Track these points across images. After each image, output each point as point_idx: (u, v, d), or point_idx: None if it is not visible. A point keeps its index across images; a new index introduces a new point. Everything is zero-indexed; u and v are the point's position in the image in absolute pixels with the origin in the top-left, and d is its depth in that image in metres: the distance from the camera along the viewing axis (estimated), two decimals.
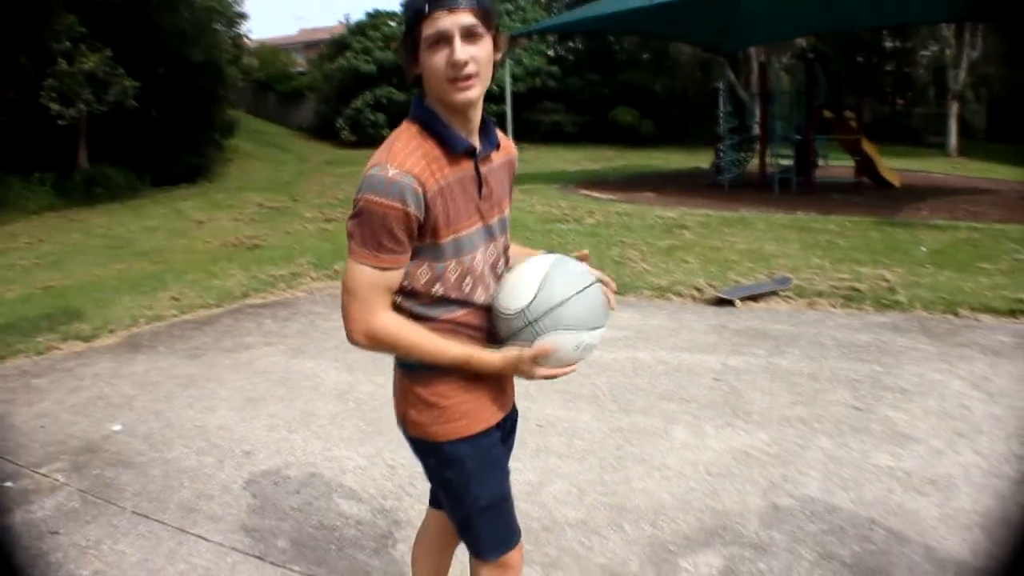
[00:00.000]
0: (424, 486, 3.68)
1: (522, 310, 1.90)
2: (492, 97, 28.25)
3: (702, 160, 20.76)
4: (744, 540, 3.19)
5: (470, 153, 1.90)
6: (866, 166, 17.20)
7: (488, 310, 1.98)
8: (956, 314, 6.62)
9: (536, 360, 1.89)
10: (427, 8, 1.76)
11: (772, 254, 8.88)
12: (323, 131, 29.21)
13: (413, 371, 1.95)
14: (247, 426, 4.56)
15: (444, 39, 1.76)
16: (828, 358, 5.44)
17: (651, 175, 20.05)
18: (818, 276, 7.68)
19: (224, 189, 17.71)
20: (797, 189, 15.86)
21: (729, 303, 6.91)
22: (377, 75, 28.17)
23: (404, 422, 2.03)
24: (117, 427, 4.60)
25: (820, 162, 18.43)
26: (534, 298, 1.90)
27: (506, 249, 2.07)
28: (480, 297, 1.95)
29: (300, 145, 27.51)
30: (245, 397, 5.04)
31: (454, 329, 1.92)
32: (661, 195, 15.08)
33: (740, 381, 5.00)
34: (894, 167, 18.41)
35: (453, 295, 1.91)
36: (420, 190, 1.79)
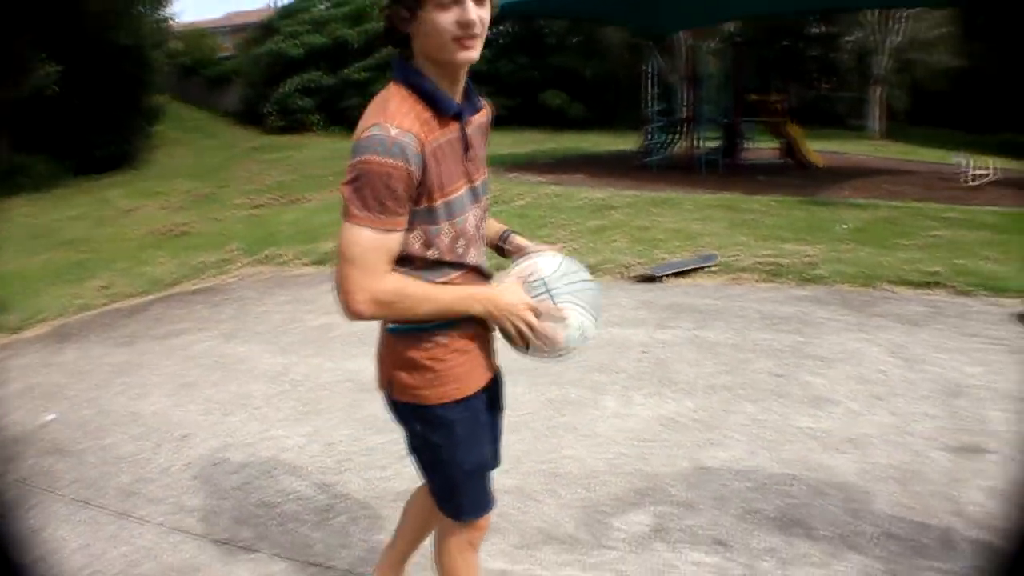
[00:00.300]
0: (363, 460, 3.78)
1: (543, 279, 1.96)
2: None
3: (631, 143, 20.98)
4: (672, 499, 3.35)
5: (457, 115, 1.91)
6: (791, 148, 17.64)
7: (479, 271, 2.02)
8: (874, 287, 6.90)
9: (536, 314, 1.93)
10: None
11: (699, 232, 9.09)
12: (250, 116, 28.71)
13: (407, 334, 1.96)
14: (183, 411, 4.57)
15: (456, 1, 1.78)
16: (752, 330, 5.63)
17: (580, 158, 20.22)
18: (743, 253, 7.90)
19: (151, 176, 17.37)
20: (724, 170, 16.17)
21: (656, 280, 7.09)
22: (305, 59, 27.81)
23: (391, 386, 2.03)
24: (51, 416, 4.58)
25: (746, 144, 18.83)
26: (556, 269, 1.98)
27: (486, 210, 2.09)
28: (473, 258, 1.99)
29: (227, 131, 27.05)
30: (179, 382, 5.04)
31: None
32: (590, 177, 15.23)
33: (667, 353, 5.16)
34: (818, 149, 18.89)
35: (448, 258, 1.92)
36: (419, 150, 1.79)
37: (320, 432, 4.14)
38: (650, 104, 18.27)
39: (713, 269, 7.33)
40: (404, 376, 1.98)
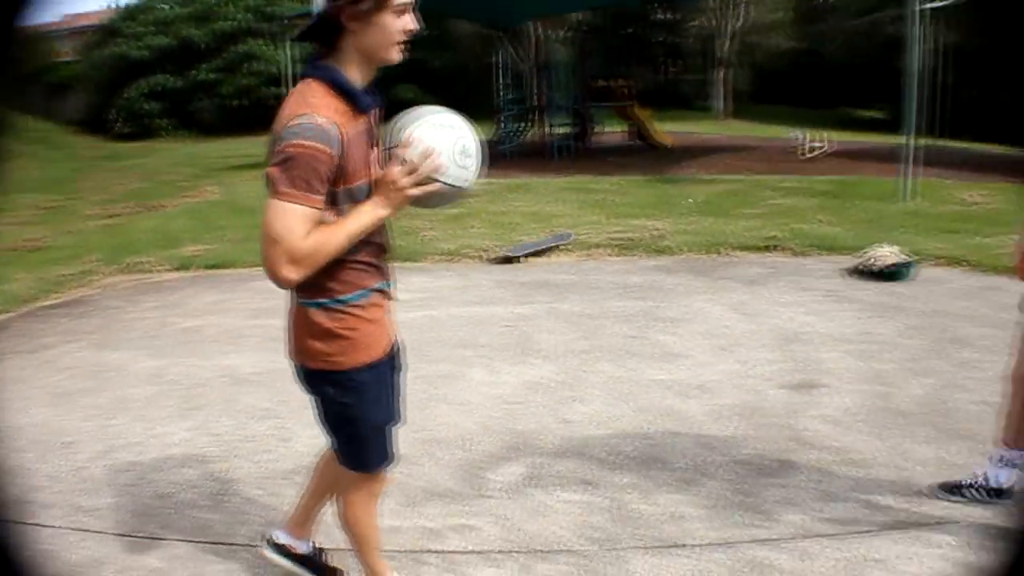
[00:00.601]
0: (249, 446, 3.97)
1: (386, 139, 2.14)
2: (273, 80, 27.89)
3: (485, 132, 21.33)
4: (542, 451, 3.72)
5: (366, 109, 2.13)
6: (639, 131, 18.36)
7: (382, 247, 2.25)
8: (719, 253, 7.49)
9: (403, 168, 2.07)
10: None
11: (554, 214, 9.54)
12: (94, 124, 27.70)
13: (323, 308, 2.18)
14: (63, 419, 4.58)
15: (407, 8, 2.07)
16: (606, 299, 6.07)
17: None
18: (595, 230, 8.37)
19: None
20: (575, 154, 16.78)
21: (514, 260, 7.46)
22: (151, 62, 26.99)
23: (305, 355, 2.25)
24: None
25: (596, 128, 19.49)
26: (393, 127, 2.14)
27: None
28: (376, 236, 2.21)
29: (71, 140, 26.03)
30: (55, 393, 5.04)
31: (356, 268, 2.18)
32: None
33: (528, 326, 5.54)
34: (667, 130, 19.72)
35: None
36: (341, 138, 2.01)
37: (204, 425, 4.28)
38: (502, 94, 18.65)
39: (568, 247, 7.76)
40: (319, 345, 2.21)
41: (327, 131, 1.98)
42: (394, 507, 3.27)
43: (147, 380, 5.09)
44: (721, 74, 32.93)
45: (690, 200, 10.65)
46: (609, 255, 7.59)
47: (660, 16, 38.09)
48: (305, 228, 1.99)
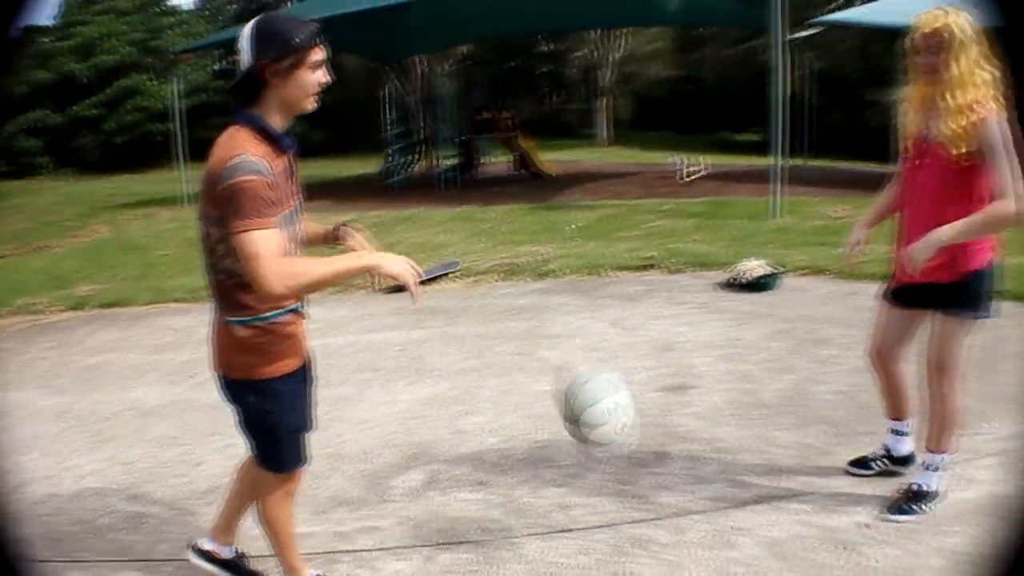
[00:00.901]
0: (162, 471, 4.16)
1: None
2: (158, 116, 27.50)
3: (371, 166, 21.60)
4: (439, 459, 4.09)
5: (286, 149, 2.48)
6: (524, 160, 18.94)
7: None
8: (599, 274, 8.00)
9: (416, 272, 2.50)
10: (317, 40, 2.40)
11: (442, 244, 9.93)
12: None
13: (245, 325, 2.51)
14: None
15: (320, 64, 2.42)
16: (494, 321, 6.48)
17: (325, 183, 20.56)
18: (483, 257, 8.79)
19: None
20: (462, 185, 17.24)
21: (405, 289, 7.81)
22: (30, 97, 26.22)
23: (227, 366, 2.59)
24: None
25: (482, 159, 20.01)
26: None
27: (300, 222, 2.64)
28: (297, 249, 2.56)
29: None
30: None
31: None
32: (335, 202, 15.65)
33: (421, 349, 5.90)
34: (551, 159, 20.37)
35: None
36: (271, 172, 2.35)
37: (115, 456, 4.44)
38: (389, 127, 18.97)
39: (457, 275, 8.15)
40: (242, 357, 2.56)
41: (259, 165, 2.31)
42: (306, 516, 3.55)
43: (53, 417, 5.17)
44: (603, 103, 34.01)
45: (573, 226, 11.19)
46: (496, 280, 8.01)
47: (544, 47, 39.12)
48: (271, 245, 2.30)
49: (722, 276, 7.69)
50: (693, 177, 17.50)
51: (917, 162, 3.29)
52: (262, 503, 2.82)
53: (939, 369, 3.33)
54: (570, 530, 3.37)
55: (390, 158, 18.54)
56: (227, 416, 4.56)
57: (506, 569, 3.11)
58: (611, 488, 3.71)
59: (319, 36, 2.42)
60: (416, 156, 19.77)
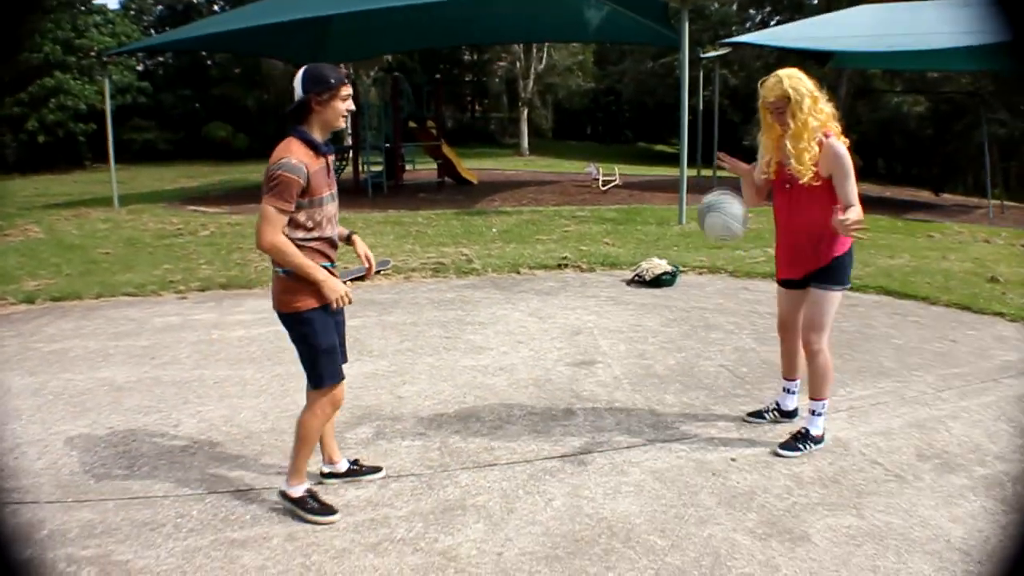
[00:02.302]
0: (148, 430, 4.80)
1: None
2: (83, 116, 27.41)
3: None
4: (383, 417, 4.92)
5: (324, 154, 3.58)
6: (447, 168, 19.71)
7: (331, 241, 3.69)
8: (518, 272, 8.89)
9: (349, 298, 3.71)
10: (346, 80, 3.56)
11: (372, 245, 10.23)
12: None
13: (287, 274, 3.55)
14: None
15: (348, 96, 3.59)
16: (423, 311, 7.30)
17: (252, 188, 20.94)
18: (411, 257, 9.61)
19: None
20: (388, 192, 17.93)
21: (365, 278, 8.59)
22: None
23: (279, 303, 3.65)
24: None
25: (408, 167, 20.70)
26: None
27: (336, 206, 3.77)
28: (328, 232, 3.65)
29: None
30: None
31: (313, 248, 3.58)
32: None
33: (360, 333, 6.66)
34: (473, 167, 21.22)
35: (314, 228, 3.57)
36: (307, 171, 3.47)
37: (98, 422, 5.01)
38: None
39: (388, 272, 8.90)
40: (286, 296, 3.62)
41: (299, 167, 3.45)
42: (277, 460, 4.29)
43: (30, 394, 5.65)
44: (525, 113, 34.95)
45: (494, 229, 12.08)
46: (424, 278, 8.83)
47: (468, 57, 39.94)
48: (278, 222, 3.46)
49: (629, 274, 8.65)
50: (609, 186, 18.52)
51: (787, 186, 4.32)
52: (305, 412, 3.77)
53: (814, 331, 4.33)
54: (494, 465, 4.23)
55: None
56: (195, 389, 5.30)
57: (444, 492, 3.94)
58: (527, 436, 4.59)
59: (348, 77, 3.60)
60: (343, 163, 20.36)
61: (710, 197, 4.47)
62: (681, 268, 8.78)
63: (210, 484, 4.08)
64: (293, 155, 3.44)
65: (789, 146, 4.14)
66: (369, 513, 3.77)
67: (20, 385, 5.91)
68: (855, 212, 3.96)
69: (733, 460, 4.29)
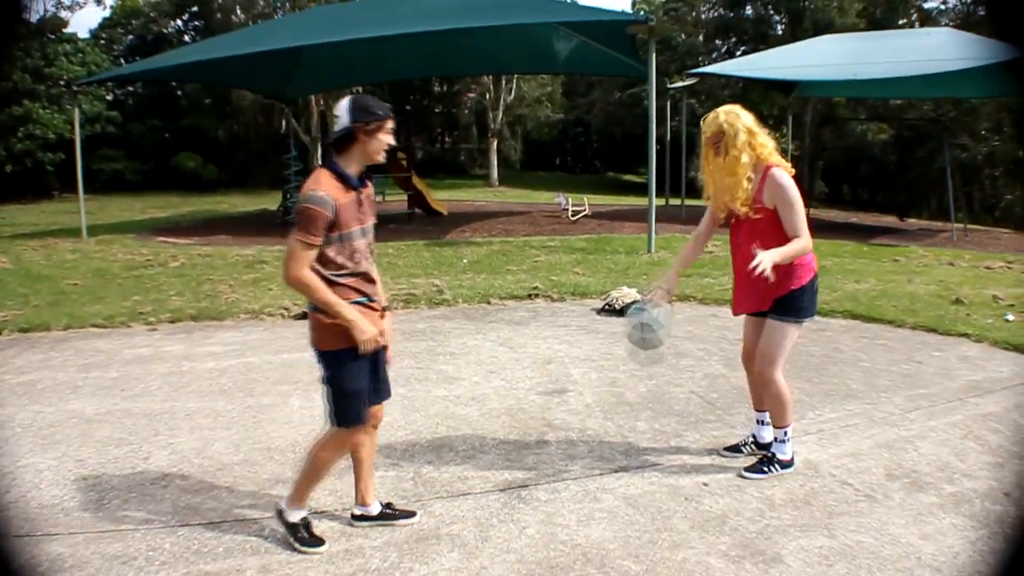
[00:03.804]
0: (115, 464, 4.76)
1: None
2: (49, 146, 27.19)
3: (267, 202, 22.03)
4: None
5: (355, 187, 3.51)
6: (417, 199, 19.77)
7: (366, 276, 3.61)
8: (489, 303, 8.93)
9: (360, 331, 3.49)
10: (390, 114, 3.54)
11: None
12: None
13: (316, 310, 3.51)
14: None
15: (390, 130, 3.57)
16: (395, 342, 7.15)
17: (221, 219, 21.00)
18: (383, 288, 9.57)
19: None
20: None
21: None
22: None
23: (313, 341, 3.60)
24: None
25: (378, 198, 20.70)
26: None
27: (372, 240, 3.67)
28: (363, 267, 3.58)
29: None
30: None
31: (345, 285, 3.51)
32: (235, 237, 16.23)
33: None
34: (443, 198, 21.31)
35: (346, 263, 3.51)
36: (335, 205, 3.41)
37: (67, 454, 4.95)
38: (290, 165, 19.47)
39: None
40: (318, 334, 3.58)
41: (327, 200, 3.40)
42: (249, 491, 4.28)
43: None
44: (494, 144, 35.15)
45: (465, 260, 12.13)
46: (395, 308, 8.80)
47: (438, 88, 40.19)
48: (306, 257, 3.42)
49: (599, 304, 8.71)
50: (579, 216, 18.66)
51: (733, 219, 4.39)
52: (320, 443, 3.73)
53: (765, 362, 4.37)
54: (468, 494, 4.23)
55: (289, 195, 19.08)
56: (166, 421, 5.27)
57: (418, 523, 3.92)
58: (500, 464, 4.60)
59: (391, 111, 3.58)
60: None
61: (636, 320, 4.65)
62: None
63: (182, 516, 4.05)
64: (321, 188, 3.40)
65: (724, 179, 4.26)
66: (343, 544, 3.76)
67: None
68: (767, 259, 3.94)
69: (705, 485, 4.32)
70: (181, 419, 5.46)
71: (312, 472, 3.73)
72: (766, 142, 4.25)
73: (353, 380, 3.59)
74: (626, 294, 8.61)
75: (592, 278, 10.43)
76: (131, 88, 34.68)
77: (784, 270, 4.19)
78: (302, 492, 3.77)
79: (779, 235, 4.19)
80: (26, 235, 17.09)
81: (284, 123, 22.33)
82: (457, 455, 4.75)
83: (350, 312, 3.47)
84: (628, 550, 3.65)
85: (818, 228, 17.56)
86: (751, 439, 4.78)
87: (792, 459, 4.50)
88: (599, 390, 5.96)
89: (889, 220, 22.32)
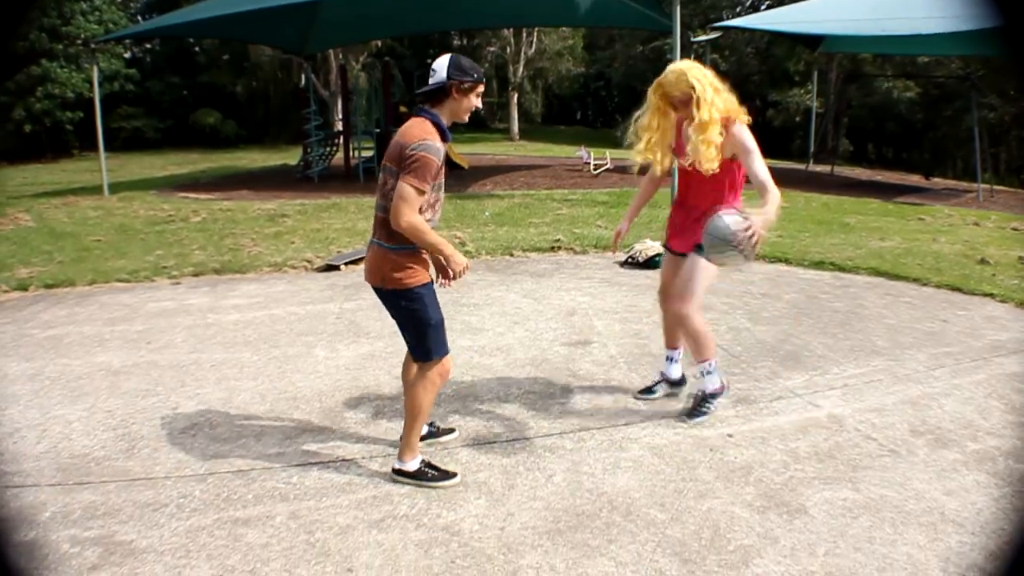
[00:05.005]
0: (143, 415, 4.82)
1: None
2: (68, 105, 27.24)
3: (286, 157, 21.95)
4: (382, 397, 4.93)
5: (447, 140, 3.66)
6: None
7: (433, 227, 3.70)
8: (512, 255, 8.91)
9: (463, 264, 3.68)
10: (482, 79, 3.67)
11: (365, 229, 10.66)
12: None
13: (396, 251, 3.63)
14: None
15: (480, 94, 3.70)
16: None
17: (241, 174, 20.98)
18: None
19: None
20: None
21: (335, 268, 8.54)
22: None
23: (384, 280, 3.69)
24: None
25: None
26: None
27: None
28: (437, 216, 3.73)
29: None
30: None
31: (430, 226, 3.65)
32: (256, 191, 16.26)
33: (356, 316, 6.71)
34: (465, 152, 21.20)
35: (427, 213, 3.62)
36: (442, 153, 3.55)
37: (96, 406, 5.03)
38: (309, 120, 19.40)
39: None
40: (394, 274, 3.66)
41: (439, 148, 3.54)
42: (276, 441, 4.32)
43: (27, 379, 5.68)
44: (515, 98, 34.89)
45: (487, 213, 12.07)
46: None
47: (458, 42, 39.85)
48: (417, 202, 3.51)
49: (622, 256, 8.67)
50: (600, 170, 18.54)
51: (689, 167, 4.34)
52: (414, 382, 3.82)
53: (680, 297, 4.38)
54: (494, 442, 4.26)
55: (309, 150, 19.05)
56: (192, 372, 5.32)
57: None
58: (526, 414, 4.63)
59: (483, 76, 3.72)
60: (334, 148, 20.32)
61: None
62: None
63: (211, 465, 4.10)
64: (431, 137, 3.51)
65: (693, 138, 4.15)
66: (371, 490, 3.80)
67: (17, 371, 5.92)
68: (761, 226, 3.80)
69: (730, 436, 4.33)
70: (207, 370, 5.51)
71: (415, 417, 3.81)
72: (729, 97, 4.21)
73: (436, 311, 3.75)
74: (649, 247, 8.57)
75: (614, 231, 10.36)
76: (149, 46, 34.59)
77: (713, 212, 4.11)
78: (412, 441, 3.85)
79: (724, 187, 4.25)
80: (48, 193, 17.15)
81: (303, 78, 22.19)
82: (483, 404, 4.78)
83: (450, 247, 3.63)
84: (654, 499, 3.66)
85: (843, 186, 17.53)
86: (661, 378, 4.88)
87: (722, 387, 4.56)
88: (623, 341, 5.96)
89: (914, 179, 21.99)
